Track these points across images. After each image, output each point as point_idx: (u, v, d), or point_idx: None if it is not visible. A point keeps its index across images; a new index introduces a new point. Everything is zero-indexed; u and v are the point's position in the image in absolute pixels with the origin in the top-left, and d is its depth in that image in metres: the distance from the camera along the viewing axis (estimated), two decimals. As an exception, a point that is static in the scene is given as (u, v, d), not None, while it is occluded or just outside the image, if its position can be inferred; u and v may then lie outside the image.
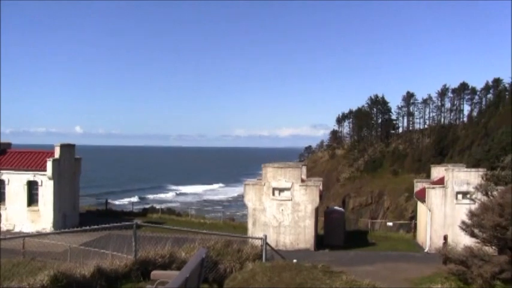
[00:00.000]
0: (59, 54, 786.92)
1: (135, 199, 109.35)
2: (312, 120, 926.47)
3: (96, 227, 13.41)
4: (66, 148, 46.63)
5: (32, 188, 44.58)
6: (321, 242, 42.48)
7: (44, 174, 43.85)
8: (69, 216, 45.83)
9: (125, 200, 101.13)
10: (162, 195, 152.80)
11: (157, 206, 66.03)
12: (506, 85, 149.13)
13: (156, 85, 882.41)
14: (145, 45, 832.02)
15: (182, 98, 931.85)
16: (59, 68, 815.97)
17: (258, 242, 16.78)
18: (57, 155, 44.89)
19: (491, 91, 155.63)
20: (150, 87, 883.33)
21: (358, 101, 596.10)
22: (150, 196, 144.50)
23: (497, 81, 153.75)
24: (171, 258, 13.53)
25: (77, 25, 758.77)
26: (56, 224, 43.51)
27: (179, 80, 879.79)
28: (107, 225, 13.77)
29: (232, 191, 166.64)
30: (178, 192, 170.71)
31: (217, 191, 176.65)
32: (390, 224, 71.27)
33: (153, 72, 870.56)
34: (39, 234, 28.43)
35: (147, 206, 68.83)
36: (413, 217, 63.69)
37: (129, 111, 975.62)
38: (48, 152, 46.46)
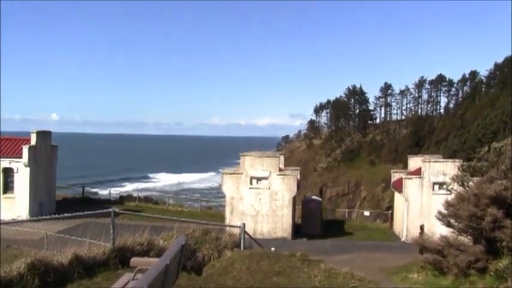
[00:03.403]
0: (34, 40, 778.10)
1: (112, 187, 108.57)
2: (290, 110, 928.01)
3: (73, 214, 13.30)
4: (42, 135, 46.19)
5: (8, 175, 44.11)
6: (298, 231, 42.65)
7: (19, 161, 43.39)
8: (45, 203, 45.41)
9: (102, 188, 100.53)
10: (139, 184, 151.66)
11: (135, 194, 65.61)
12: (483, 78, 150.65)
13: (133, 72, 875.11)
14: (121, 31, 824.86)
15: (159, 85, 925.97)
16: (33, 53, 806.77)
17: (236, 231, 16.77)
18: (33, 142, 44.43)
19: (467, 83, 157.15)
20: (127, 74, 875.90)
21: (335, 91, 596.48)
22: (127, 184, 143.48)
23: (473, 74, 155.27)
24: (149, 245, 13.46)
25: (51, 7, 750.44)
26: (31, 212, 43.05)
27: (156, 67, 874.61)
28: (84, 213, 13.66)
29: (210, 180, 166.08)
30: (155, 180, 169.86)
31: (195, 180, 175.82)
32: (367, 213, 71.67)
33: (129, 59, 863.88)
34: (14, 222, 28.09)
35: (124, 194, 68.39)
36: (390, 207, 64.11)
37: (105, 98, 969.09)
38: (24, 139, 45.97)
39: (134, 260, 7.24)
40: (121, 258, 11.92)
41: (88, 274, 11.42)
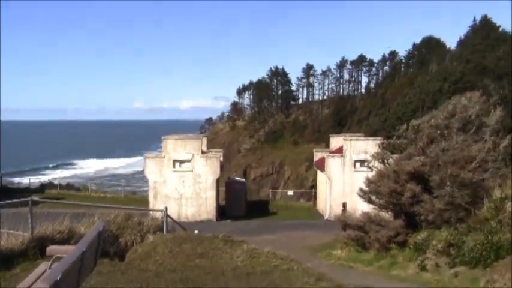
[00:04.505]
0: None
1: (31, 175, 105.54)
2: (213, 92, 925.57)
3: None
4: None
5: None
6: (223, 212, 42.67)
7: None
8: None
9: (21, 177, 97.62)
10: (60, 171, 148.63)
11: (56, 182, 64.17)
12: (402, 58, 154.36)
13: (51, 56, 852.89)
14: (36, 16, 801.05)
15: (79, 69, 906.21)
16: None
17: (159, 215, 16.63)
18: None
19: (387, 63, 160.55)
20: (45, 58, 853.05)
21: (258, 72, 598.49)
22: (48, 172, 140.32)
23: (393, 54, 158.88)
24: (69, 233, 13.16)
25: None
26: None
27: (76, 50, 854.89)
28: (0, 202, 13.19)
29: (136, 165, 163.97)
30: (77, 167, 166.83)
31: (118, 165, 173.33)
32: (291, 193, 72.41)
33: (47, 42, 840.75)
34: None
35: (45, 182, 66.82)
36: (314, 186, 64.91)
37: (21, 84, 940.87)
38: None
39: (50, 249, 6.96)
40: (41, 248, 11.60)
41: (6, 266, 11.09)
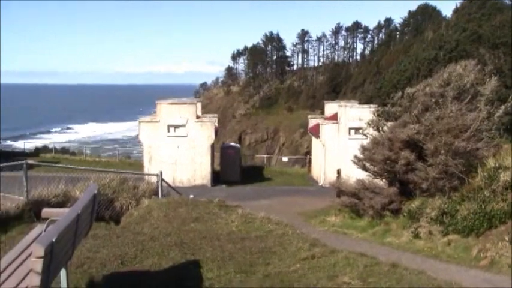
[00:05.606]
0: None
1: (26, 139, 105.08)
2: (208, 57, 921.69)
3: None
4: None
5: None
6: (218, 178, 42.77)
7: None
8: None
9: (16, 141, 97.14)
10: (54, 135, 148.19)
11: (50, 146, 64.03)
12: (397, 25, 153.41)
13: (42, 17, 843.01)
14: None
15: (72, 30, 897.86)
16: None
17: (154, 179, 16.67)
18: None
19: (383, 31, 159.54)
20: (36, 19, 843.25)
21: (253, 37, 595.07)
22: (42, 136, 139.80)
23: (388, 21, 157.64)
24: (65, 197, 13.23)
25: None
26: None
27: (70, 9, 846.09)
28: (-6, 166, 13.18)
29: (128, 129, 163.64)
30: (73, 131, 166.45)
31: (113, 129, 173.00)
32: (285, 159, 72.59)
33: (39, 7, 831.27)
34: None
35: (40, 146, 66.61)
36: (308, 152, 65.08)
37: (15, 47, 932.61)
38: None
39: (45, 211, 6.99)
40: (36, 211, 11.63)
41: (1, 228, 11.14)
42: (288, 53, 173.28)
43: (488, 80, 23.22)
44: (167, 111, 40.56)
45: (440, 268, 13.47)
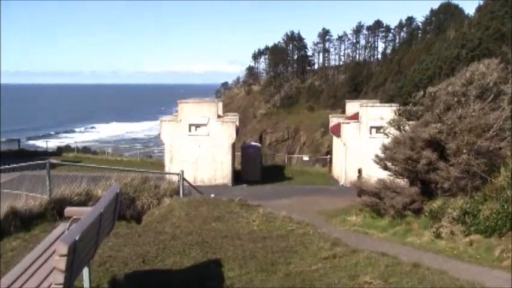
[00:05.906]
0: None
1: (49, 139, 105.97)
2: (228, 57, 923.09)
3: (6, 167, 12.92)
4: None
5: None
6: (238, 177, 42.80)
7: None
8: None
9: (39, 140, 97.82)
10: (77, 134, 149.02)
11: (73, 145, 64.40)
12: (419, 24, 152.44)
13: (66, 17, 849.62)
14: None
15: (94, 32, 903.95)
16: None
17: (175, 178, 16.73)
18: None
19: (404, 29, 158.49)
20: (60, 19, 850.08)
21: (273, 37, 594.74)
22: (65, 135, 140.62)
23: (410, 20, 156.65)
24: (87, 196, 13.31)
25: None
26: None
27: (91, 12, 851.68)
28: (18, 165, 13.27)
29: (150, 129, 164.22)
30: (94, 130, 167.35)
31: (134, 129, 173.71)
32: (306, 158, 72.43)
33: (62, 4, 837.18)
34: None
35: (62, 145, 67.00)
36: (329, 152, 64.87)
37: (37, 46, 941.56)
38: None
39: (68, 210, 7.05)
40: (59, 210, 11.71)
41: (25, 227, 11.23)
42: (309, 52, 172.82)
43: (511, 78, 23.01)
44: (189, 110, 40.67)
45: (462, 268, 13.39)
